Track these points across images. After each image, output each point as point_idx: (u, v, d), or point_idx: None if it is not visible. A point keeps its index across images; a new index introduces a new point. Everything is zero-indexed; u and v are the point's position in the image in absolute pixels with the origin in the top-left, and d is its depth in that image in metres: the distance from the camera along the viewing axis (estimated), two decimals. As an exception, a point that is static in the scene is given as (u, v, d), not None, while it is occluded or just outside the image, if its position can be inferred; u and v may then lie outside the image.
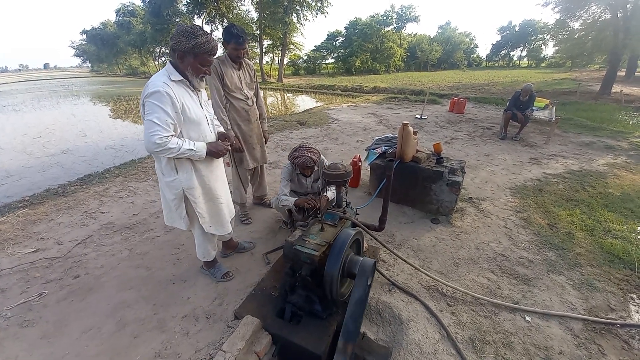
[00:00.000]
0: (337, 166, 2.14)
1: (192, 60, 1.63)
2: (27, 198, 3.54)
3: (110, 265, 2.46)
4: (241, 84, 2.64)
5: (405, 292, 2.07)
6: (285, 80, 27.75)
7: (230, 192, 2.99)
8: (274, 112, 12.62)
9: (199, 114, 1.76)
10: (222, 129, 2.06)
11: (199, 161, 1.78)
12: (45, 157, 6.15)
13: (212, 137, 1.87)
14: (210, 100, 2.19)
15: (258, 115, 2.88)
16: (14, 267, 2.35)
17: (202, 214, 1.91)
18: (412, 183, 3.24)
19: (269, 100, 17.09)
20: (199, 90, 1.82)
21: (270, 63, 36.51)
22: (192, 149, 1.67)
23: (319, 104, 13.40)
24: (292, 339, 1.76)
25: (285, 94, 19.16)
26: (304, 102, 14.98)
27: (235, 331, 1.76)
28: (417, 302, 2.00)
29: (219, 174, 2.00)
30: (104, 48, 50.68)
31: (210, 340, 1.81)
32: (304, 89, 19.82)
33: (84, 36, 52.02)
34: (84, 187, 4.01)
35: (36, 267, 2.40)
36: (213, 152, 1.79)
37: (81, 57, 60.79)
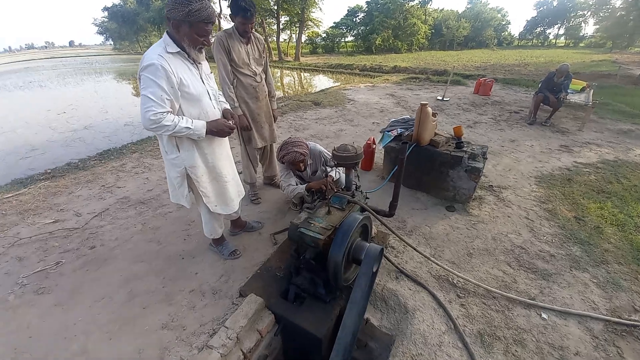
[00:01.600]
0: (347, 148, 2.03)
1: (188, 30, 1.51)
2: (48, 171, 3.68)
3: (124, 238, 2.54)
4: (249, 59, 2.52)
5: (413, 280, 2.00)
6: (302, 59, 27.05)
7: (240, 172, 2.97)
8: (289, 91, 12.39)
9: (199, 88, 1.67)
10: (228, 106, 1.98)
11: (200, 139, 1.73)
12: (68, 133, 6.37)
13: (215, 114, 1.79)
14: (215, 75, 2.10)
15: (267, 93, 2.77)
16: (32, 237, 2.47)
17: (206, 193, 1.88)
18: (428, 168, 3.08)
19: (286, 80, 16.78)
20: (200, 63, 1.71)
21: (287, 41, 35.55)
22: (190, 128, 1.60)
23: (336, 84, 13.01)
24: (294, 320, 1.75)
25: (302, 74, 18.72)
26: (321, 82, 14.60)
27: (238, 309, 1.77)
28: (425, 292, 1.93)
29: (224, 152, 1.94)
30: (124, 25, 50.90)
31: (214, 315, 1.84)
32: (321, 68, 19.26)
33: (106, 13, 52.39)
34: (103, 162, 4.12)
35: (55, 237, 2.50)
36: (214, 132, 1.72)
37: (104, 35, 61.48)
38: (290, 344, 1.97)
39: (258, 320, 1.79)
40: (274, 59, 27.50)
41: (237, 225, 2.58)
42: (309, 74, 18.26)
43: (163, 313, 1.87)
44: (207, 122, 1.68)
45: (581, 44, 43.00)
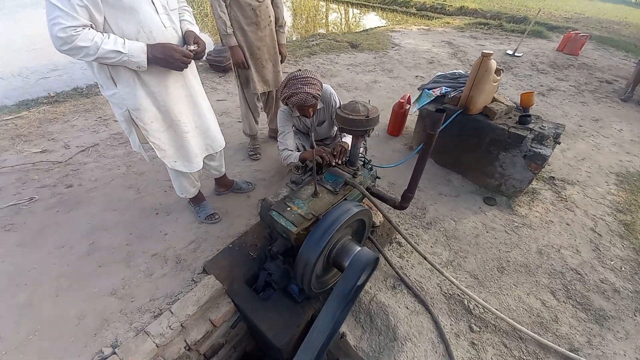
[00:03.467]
0: (356, 107, 1.43)
1: None
2: (52, 95, 3.51)
3: (104, 180, 2.32)
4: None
5: (414, 294, 1.55)
6: (353, -8, 23.61)
7: (239, 120, 2.50)
8: (333, 29, 10.93)
9: None
10: (194, 28, 1.42)
11: (143, 71, 1.24)
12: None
13: (165, 35, 1.26)
14: None
15: (272, 20, 2.10)
16: (16, 166, 2.34)
17: (159, 145, 1.47)
18: (473, 145, 2.36)
19: (332, 16, 14.86)
20: None
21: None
22: (121, 52, 1.11)
23: (384, 22, 11.19)
24: (253, 318, 1.43)
25: (350, 8, 16.42)
26: (366, 20, 12.68)
27: (190, 292, 1.48)
28: (426, 315, 1.47)
29: (182, 91, 1.45)
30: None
31: (169, 290, 1.59)
32: (371, 4, 16.71)
33: None
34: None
35: (37, 168, 2.36)
36: (160, 60, 1.22)
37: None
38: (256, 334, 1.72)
39: (213, 308, 1.50)
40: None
41: (222, 184, 2.21)
42: (358, 10, 15.96)
43: (117, 276, 1.66)
44: (148, 46, 1.18)
45: None
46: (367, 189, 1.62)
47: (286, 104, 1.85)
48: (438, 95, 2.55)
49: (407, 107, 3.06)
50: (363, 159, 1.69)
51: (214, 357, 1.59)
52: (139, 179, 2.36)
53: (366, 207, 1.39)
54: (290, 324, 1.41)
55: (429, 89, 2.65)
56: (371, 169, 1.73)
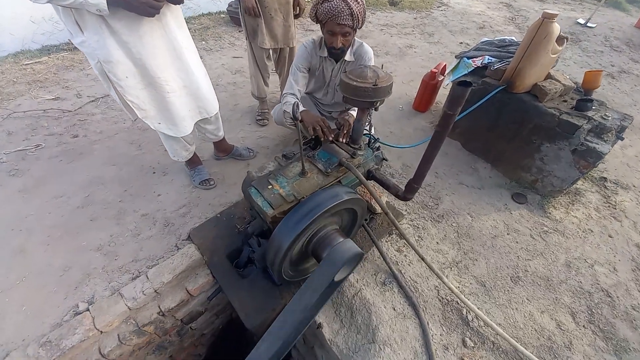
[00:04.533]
0: (364, 72, 1.16)
1: None
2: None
3: (108, 133, 2.29)
4: None
5: (405, 294, 1.38)
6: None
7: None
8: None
9: None
10: None
11: (109, 17, 1.06)
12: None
13: None
14: None
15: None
16: (28, 112, 2.36)
17: (138, 104, 1.32)
18: (510, 130, 1.99)
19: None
20: None
21: None
22: None
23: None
24: (228, 295, 1.36)
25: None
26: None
27: (168, 260, 1.43)
28: (415, 320, 1.31)
29: (161, 43, 1.26)
30: None
31: (152, 253, 1.56)
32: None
33: None
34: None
35: (47, 116, 2.37)
36: (123, 2, 1.02)
37: None
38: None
39: (190, 277, 1.45)
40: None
41: (221, 149, 2.09)
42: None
43: (106, 232, 1.65)
44: None
45: None
46: (368, 172, 1.40)
47: (315, 18, 1.48)
48: (478, 66, 2.14)
49: (440, 79, 2.65)
50: (369, 137, 1.45)
51: (192, 323, 1.58)
52: (142, 135, 2.30)
53: (359, 195, 1.19)
54: (265, 307, 1.32)
55: (468, 58, 2.23)
56: (378, 149, 1.49)
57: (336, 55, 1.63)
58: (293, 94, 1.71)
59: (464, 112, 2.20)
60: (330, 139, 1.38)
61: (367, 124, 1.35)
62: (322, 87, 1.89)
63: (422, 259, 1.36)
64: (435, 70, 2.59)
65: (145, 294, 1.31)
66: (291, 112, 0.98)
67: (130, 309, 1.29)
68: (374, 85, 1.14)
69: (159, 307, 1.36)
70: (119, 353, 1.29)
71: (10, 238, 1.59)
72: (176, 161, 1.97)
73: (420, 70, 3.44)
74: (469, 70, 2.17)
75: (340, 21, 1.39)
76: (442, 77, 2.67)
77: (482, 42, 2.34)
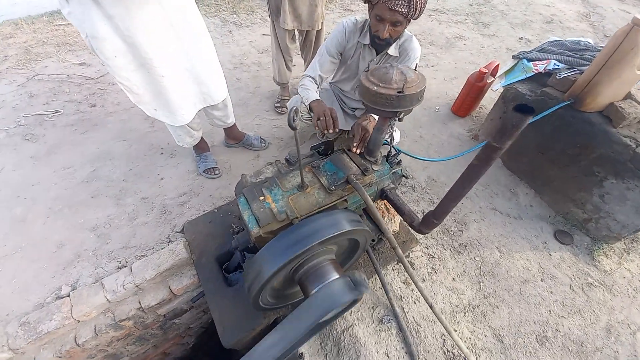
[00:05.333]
0: (388, 74, 0.93)
1: None
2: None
3: (125, 106, 2.24)
4: None
5: (404, 339, 1.19)
6: None
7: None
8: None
9: None
10: None
11: None
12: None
13: None
14: None
15: None
16: (53, 75, 2.37)
17: (130, 87, 1.19)
18: (568, 155, 1.65)
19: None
20: None
21: None
22: None
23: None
24: (209, 302, 1.26)
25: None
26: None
27: (154, 255, 1.35)
28: (411, 371, 1.13)
29: (156, 19, 1.09)
30: None
31: (143, 241, 1.50)
32: None
33: None
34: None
35: (70, 81, 2.36)
36: None
37: None
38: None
39: (175, 276, 1.37)
40: None
41: (231, 136, 1.95)
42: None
43: (104, 212, 1.61)
44: None
45: None
46: (382, 191, 1.19)
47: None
48: (540, 72, 1.77)
49: (490, 81, 2.28)
50: (389, 151, 1.22)
51: (176, 319, 1.52)
52: (157, 112, 2.23)
53: (365, 226, 0.99)
54: (246, 325, 1.21)
55: (529, 60, 1.85)
56: (398, 163, 1.26)
57: (379, 45, 1.37)
58: (313, 79, 1.48)
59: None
60: (330, 131, 1.19)
61: (388, 133, 1.12)
62: (352, 79, 1.63)
63: (430, 306, 1.15)
64: (484, 70, 2.21)
65: (125, 289, 1.25)
66: (287, 120, 0.79)
67: (109, 302, 1.23)
68: (398, 92, 0.90)
69: (139, 302, 1.30)
70: (94, 344, 1.25)
71: (15, 205, 1.60)
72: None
73: (467, 66, 3.02)
74: (528, 75, 1.80)
75: (393, 6, 1.12)
76: (492, 79, 2.29)
77: (550, 42, 1.92)
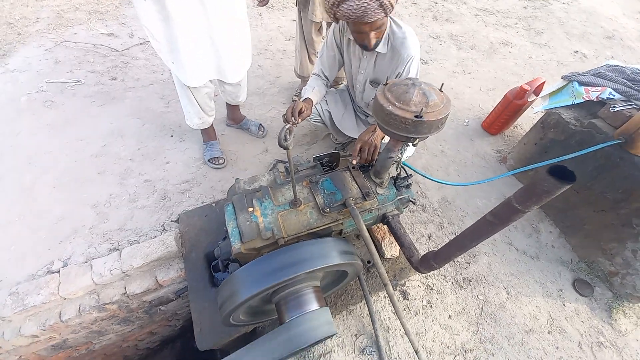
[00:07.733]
0: (408, 94, 0.81)
1: None
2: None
3: (144, 82, 2.23)
4: None
5: (385, 375, 1.11)
6: None
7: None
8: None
9: None
10: None
11: None
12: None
13: None
14: None
15: None
16: (80, 43, 2.39)
17: (153, 33, 1.22)
18: (606, 199, 1.45)
19: None
20: None
21: None
22: None
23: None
24: (191, 299, 1.24)
25: None
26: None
27: (144, 243, 1.33)
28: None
29: None
30: None
31: (139, 226, 1.49)
32: None
33: None
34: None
35: (96, 51, 2.38)
36: None
37: None
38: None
39: (163, 267, 1.36)
40: None
41: (231, 116, 1.96)
42: None
43: (106, 190, 1.62)
44: None
45: None
46: (383, 216, 1.08)
47: (335, 20, 1.15)
48: (592, 100, 1.54)
49: (531, 100, 2.04)
50: (399, 174, 1.10)
51: (161, 306, 1.53)
52: (174, 92, 2.18)
53: (357, 258, 0.90)
54: (223, 330, 1.17)
55: (580, 84, 1.62)
56: (408, 187, 1.14)
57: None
58: (318, 76, 1.47)
59: (546, 154, 1.67)
60: (292, 122, 1.17)
61: (397, 156, 1.00)
62: (350, 77, 1.53)
63: (416, 351, 1.05)
64: (526, 87, 1.98)
65: (112, 274, 1.25)
66: (278, 140, 0.71)
67: (95, 284, 1.24)
68: (416, 116, 0.78)
69: (124, 288, 1.30)
70: (78, 322, 1.27)
71: (25, 171, 1.64)
72: (192, 129, 1.85)
73: (508, 77, 2.75)
74: (577, 102, 1.58)
75: (368, 19, 1.01)
76: (535, 97, 2.05)
77: (608, 66, 1.67)
